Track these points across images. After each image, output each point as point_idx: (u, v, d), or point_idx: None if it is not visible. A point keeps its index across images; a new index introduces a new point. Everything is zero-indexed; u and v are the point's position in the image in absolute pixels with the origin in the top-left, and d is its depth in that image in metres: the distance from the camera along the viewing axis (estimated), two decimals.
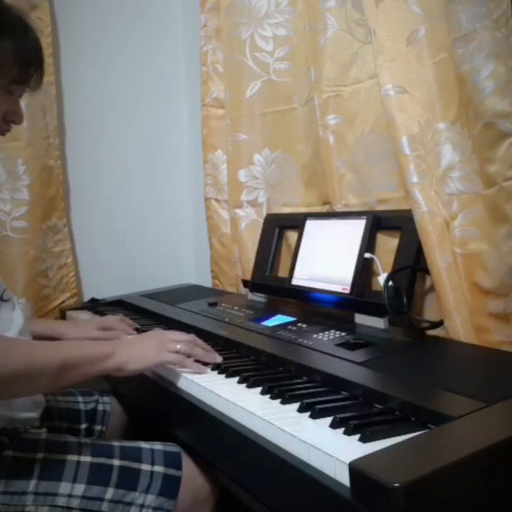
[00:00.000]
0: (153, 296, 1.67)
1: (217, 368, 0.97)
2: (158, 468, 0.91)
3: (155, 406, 1.06)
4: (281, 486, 0.68)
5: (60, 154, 1.72)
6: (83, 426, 1.19)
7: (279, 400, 0.80)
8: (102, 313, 1.49)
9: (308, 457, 0.64)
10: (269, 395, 0.83)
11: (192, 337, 1.00)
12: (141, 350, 0.92)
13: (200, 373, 0.94)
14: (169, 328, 1.29)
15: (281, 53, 1.44)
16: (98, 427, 1.21)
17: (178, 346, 0.94)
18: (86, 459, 0.90)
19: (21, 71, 0.91)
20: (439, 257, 1.01)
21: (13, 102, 0.94)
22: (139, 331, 1.28)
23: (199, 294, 1.61)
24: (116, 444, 0.95)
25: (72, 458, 0.90)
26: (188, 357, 0.96)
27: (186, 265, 2.06)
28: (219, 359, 0.99)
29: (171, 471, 0.92)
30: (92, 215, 1.85)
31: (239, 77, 1.53)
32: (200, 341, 1.01)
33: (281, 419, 0.72)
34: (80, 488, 0.87)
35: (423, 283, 1.13)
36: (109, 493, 0.87)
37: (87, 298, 1.69)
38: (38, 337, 1.12)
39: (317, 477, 0.61)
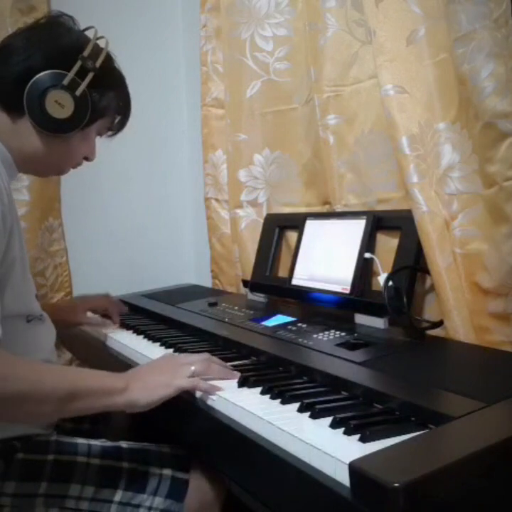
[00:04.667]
0: (153, 296, 1.67)
1: None
2: (167, 471, 0.92)
3: (156, 406, 1.05)
4: (281, 486, 0.68)
5: None
6: (86, 426, 1.19)
7: (279, 400, 0.80)
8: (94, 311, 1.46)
9: (309, 457, 0.64)
10: (269, 395, 0.83)
11: (206, 355, 0.93)
12: (154, 383, 0.85)
13: (216, 394, 0.85)
14: (169, 328, 1.29)
15: (281, 53, 1.44)
16: (100, 428, 1.20)
17: (192, 368, 0.87)
18: (95, 461, 0.90)
19: (114, 120, 1.04)
20: (439, 257, 1.01)
21: (94, 143, 1.04)
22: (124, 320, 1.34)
23: (199, 294, 1.61)
24: (125, 446, 0.95)
25: (82, 460, 0.90)
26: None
27: (186, 265, 2.06)
28: (237, 375, 0.91)
29: (179, 474, 0.92)
30: (92, 215, 1.85)
31: (239, 77, 1.53)
32: (215, 358, 0.93)
33: (281, 419, 0.72)
34: (89, 491, 0.87)
35: (423, 283, 1.13)
36: (118, 495, 0.88)
37: None
38: None
39: (317, 477, 0.61)
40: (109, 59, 0.99)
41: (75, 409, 0.80)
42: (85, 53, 0.93)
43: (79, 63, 0.92)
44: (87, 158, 1.04)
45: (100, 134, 1.04)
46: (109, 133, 1.06)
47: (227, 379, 0.90)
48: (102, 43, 0.99)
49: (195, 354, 0.95)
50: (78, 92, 0.92)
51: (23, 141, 0.93)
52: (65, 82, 0.91)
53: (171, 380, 0.85)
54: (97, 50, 0.96)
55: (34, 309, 0.97)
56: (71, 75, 0.91)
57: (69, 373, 0.86)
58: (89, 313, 1.38)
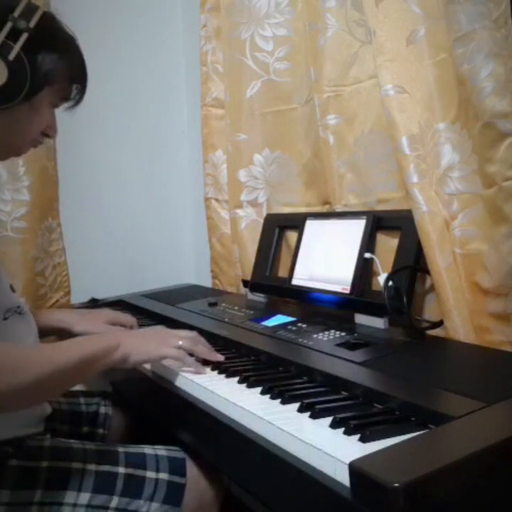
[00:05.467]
0: (153, 296, 1.67)
1: (217, 367, 0.97)
2: (163, 476, 0.91)
3: (155, 407, 1.06)
4: (281, 486, 0.68)
5: (55, 155, 1.72)
6: (85, 429, 1.18)
7: (279, 400, 0.80)
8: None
9: (309, 457, 0.64)
10: (269, 395, 0.83)
11: (194, 334, 1.00)
12: (144, 343, 0.92)
13: (199, 373, 0.94)
14: (169, 328, 1.29)
15: (281, 53, 1.44)
16: (100, 431, 1.20)
17: (180, 342, 0.95)
18: (91, 466, 0.89)
19: (68, 88, 0.94)
20: (439, 257, 1.01)
21: (53, 117, 0.96)
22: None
23: (199, 294, 1.61)
24: (121, 450, 0.94)
25: (77, 466, 0.89)
26: (190, 355, 0.97)
27: (186, 265, 2.06)
28: (220, 358, 1.00)
29: (176, 478, 0.91)
30: (92, 215, 1.85)
31: (239, 77, 1.53)
32: (202, 339, 1.01)
33: (281, 419, 0.72)
34: (85, 497, 0.86)
35: (423, 283, 1.13)
36: (114, 501, 0.87)
37: (86, 297, 1.69)
38: (45, 329, 1.13)
39: (317, 477, 0.61)
40: (49, 19, 0.90)
41: (84, 375, 0.86)
42: (16, 13, 0.83)
43: (9, 24, 0.83)
44: (47, 135, 0.96)
45: (56, 106, 0.95)
46: (67, 104, 0.97)
47: (212, 360, 0.98)
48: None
49: (185, 330, 1.01)
50: (11, 56, 0.83)
51: None
52: None
53: (160, 346, 0.93)
54: (33, 9, 0.86)
55: (9, 301, 0.95)
56: (1, 37, 0.82)
57: (72, 346, 0.89)
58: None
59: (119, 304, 1.62)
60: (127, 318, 1.27)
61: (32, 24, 0.85)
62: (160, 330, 1.02)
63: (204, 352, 0.98)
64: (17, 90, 0.85)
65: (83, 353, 0.84)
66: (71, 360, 0.82)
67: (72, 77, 0.94)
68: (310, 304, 1.30)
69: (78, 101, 0.98)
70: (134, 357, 0.90)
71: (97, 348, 0.87)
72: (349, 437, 0.67)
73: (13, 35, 0.83)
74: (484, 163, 0.95)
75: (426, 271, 1.06)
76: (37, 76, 0.86)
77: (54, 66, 0.89)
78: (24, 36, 0.84)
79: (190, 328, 1.23)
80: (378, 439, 0.65)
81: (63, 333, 1.21)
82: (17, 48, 0.83)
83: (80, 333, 1.17)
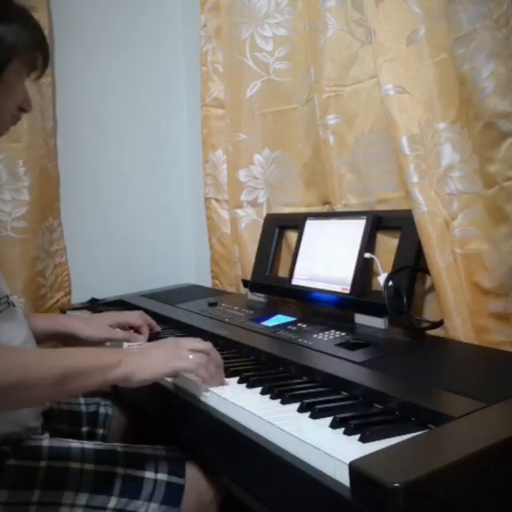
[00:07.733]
0: (153, 296, 1.67)
1: None
2: (162, 476, 0.90)
3: (155, 407, 1.06)
4: (281, 487, 0.68)
5: (56, 155, 1.72)
6: (85, 429, 1.18)
7: (279, 400, 0.80)
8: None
9: (309, 457, 0.64)
10: (269, 395, 0.83)
11: (208, 346, 0.89)
12: (150, 359, 0.83)
13: (211, 386, 0.85)
14: (169, 328, 1.29)
15: (281, 53, 1.44)
16: (100, 431, 1.19)
17: (191, 356, 0.85)
18: (89, 466, 0.89)
19: (33, 57, 0.93)
20: (439, 257, 1.01)
21: (25, 90, 0.95)
22: (159, 333, 1.24)
23: (199, 294, 1.61)
24: (119, 450, 0.94)
25: (76, 466, 0.88)
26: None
27: (186, 265, 2.06)
28: (227, 383, 0.89)
29: (174, 479, 0.91)
30: (92, 215, 1.85)
31: (239, 77, 1.53)
32: (215, 353, 0.89)
33: (281, 419, 0.72)
34: (83, 498, 0.86)
35: (423, 283, 1.13)
36: (113, 501, 0.87)
37: (86, 298, 1.69)
38: (50, 334, 1.11)
39: (317, 477, 0.61)
40: None
41: (71, 389, 0.79)
42: None
43: None
44: (23, 110, 0.95)
45: (25, 77, 0.94)
46: (33, 75, 0.95)
47: (217, 382, 0.88)
48: None
49: (199, 340, 0.90)
50: None
51: None
52: None
53: (169, 360, 0.84)
54: None
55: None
56: None
57: (60, 355, 0.82)
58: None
59: (119, 304, 1.62)
60: (133, 317, 1.19)
61: None
62: (170, 342, 0.91)
63: (214, 375, 0.87)
64: None
65: (69, 366, 0.77)
66: (51, 370, 0.75)
67: (35, 46, 0.93)
68: (310, 304, 1.30)
69: (43, 70, 0.96)
70: (138, 375, 0.81)
71: (89, 364, 0.79)
72: (349, 437, 0.67)
73: None
74: (485, 163, 0.95)
75: (426, 271, 1.06)
76: (2, 49, 0.86)
77: (17, 36, 0.88)
78: None
79: (190, 328, 1.23)
80: (378, 439, 0.65)
81: (67, 339, 1.15)
82: None
83: (86, 338, 1.12)
